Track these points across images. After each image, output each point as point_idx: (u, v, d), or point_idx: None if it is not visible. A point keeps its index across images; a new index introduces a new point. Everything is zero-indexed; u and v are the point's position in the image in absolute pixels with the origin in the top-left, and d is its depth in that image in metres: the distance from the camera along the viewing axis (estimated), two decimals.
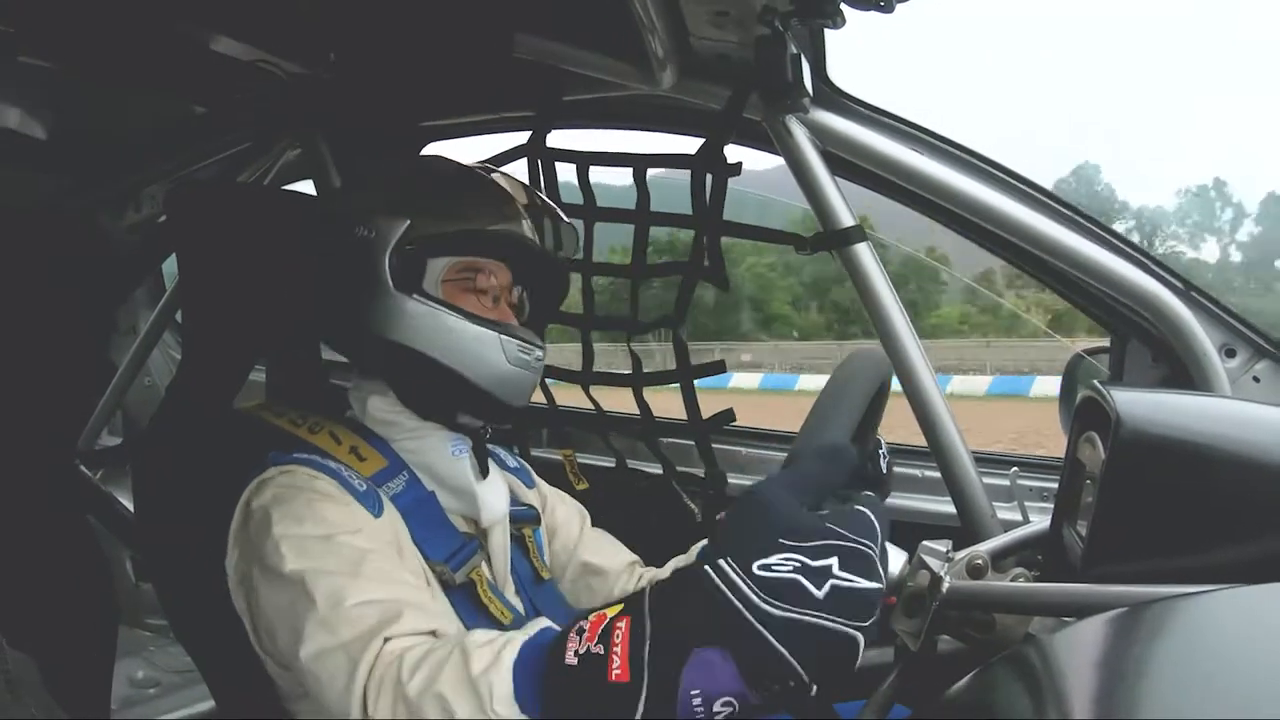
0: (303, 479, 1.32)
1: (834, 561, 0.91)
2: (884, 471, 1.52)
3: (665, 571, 1.68)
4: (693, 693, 0.92)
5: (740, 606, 0.91)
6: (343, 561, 1.21)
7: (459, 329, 1.42)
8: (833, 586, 0.90)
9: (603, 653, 0.95)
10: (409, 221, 1.41)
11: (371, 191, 1.50)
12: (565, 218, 1.63)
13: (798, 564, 0.91)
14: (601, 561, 1.71)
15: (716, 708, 0.92)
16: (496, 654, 1.05)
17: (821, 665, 0.90)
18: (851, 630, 0.89)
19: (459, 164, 1.59)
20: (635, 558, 1.76)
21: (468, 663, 1.05)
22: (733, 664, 0.91)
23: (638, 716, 0.92)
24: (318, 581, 1.19)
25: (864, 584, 0.91)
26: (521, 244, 1.49)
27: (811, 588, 0.90)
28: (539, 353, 1.50)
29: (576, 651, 0.98)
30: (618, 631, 0.96)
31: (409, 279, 1.42)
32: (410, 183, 1.52)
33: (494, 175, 1.58)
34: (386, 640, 1.13)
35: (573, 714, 0.98)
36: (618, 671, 0.93)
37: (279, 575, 1.23)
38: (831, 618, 0.89)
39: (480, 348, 1.42)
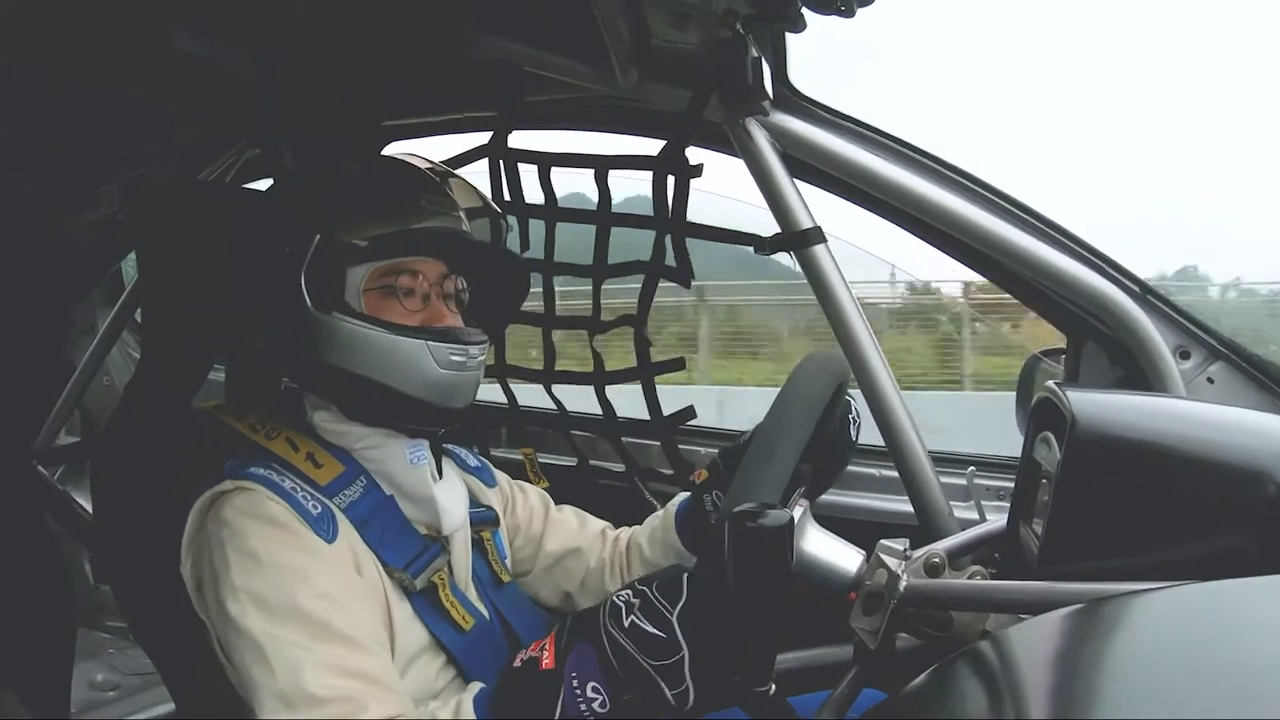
0: (257, 503, 1.29)
1: (638, 603, 1.10)
2: (852, 437, 1.51)
3: (645, 531, 1.68)
4: (572, 673, 1.11)
5: (597, 617, 1.12)
6: (303, 630, 1.21)
7: (383, 343, 1.37)
8: (631, 622, 1.09)
9: (539, 654, 1.14)
10: (319, 236, 1.37)
11: (288, 203, 1.47)
12: (499, 210, 1.60)
13: (630, 601, 1.11)
14: (569, 543, 1.70)
15: (589, 692, 1.10)
16: (458, 703, 1.19)
17: (632, 680, 1.09)
18: (642, 661, 1.07)
19: (383, 160, 1.57)
20: (605, 524, 1.75)
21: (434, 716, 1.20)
22: (595, 656, 1.10)
23: (562, 696, 1.10)
24: (279, 652, 1.20)
25: (648, 627, 1.08)
26: (437, 236, 1.45)
27: (624, 616, 1.10)
28: (474, 349, 1.44)
29: (521, 658, 1.16)
30: (549, 641, 1.16)
31: (328, 294, 1.38)
32: (322, 192, 1.47)
33: (413, 164, 1.53)
34: None
35: (517, 701, 1.15)
36: (547, 661, 1.13)
37: (236, 625, 1.23)
38: (630, 644, 1.08)
39: (407, 358, 1.38)
